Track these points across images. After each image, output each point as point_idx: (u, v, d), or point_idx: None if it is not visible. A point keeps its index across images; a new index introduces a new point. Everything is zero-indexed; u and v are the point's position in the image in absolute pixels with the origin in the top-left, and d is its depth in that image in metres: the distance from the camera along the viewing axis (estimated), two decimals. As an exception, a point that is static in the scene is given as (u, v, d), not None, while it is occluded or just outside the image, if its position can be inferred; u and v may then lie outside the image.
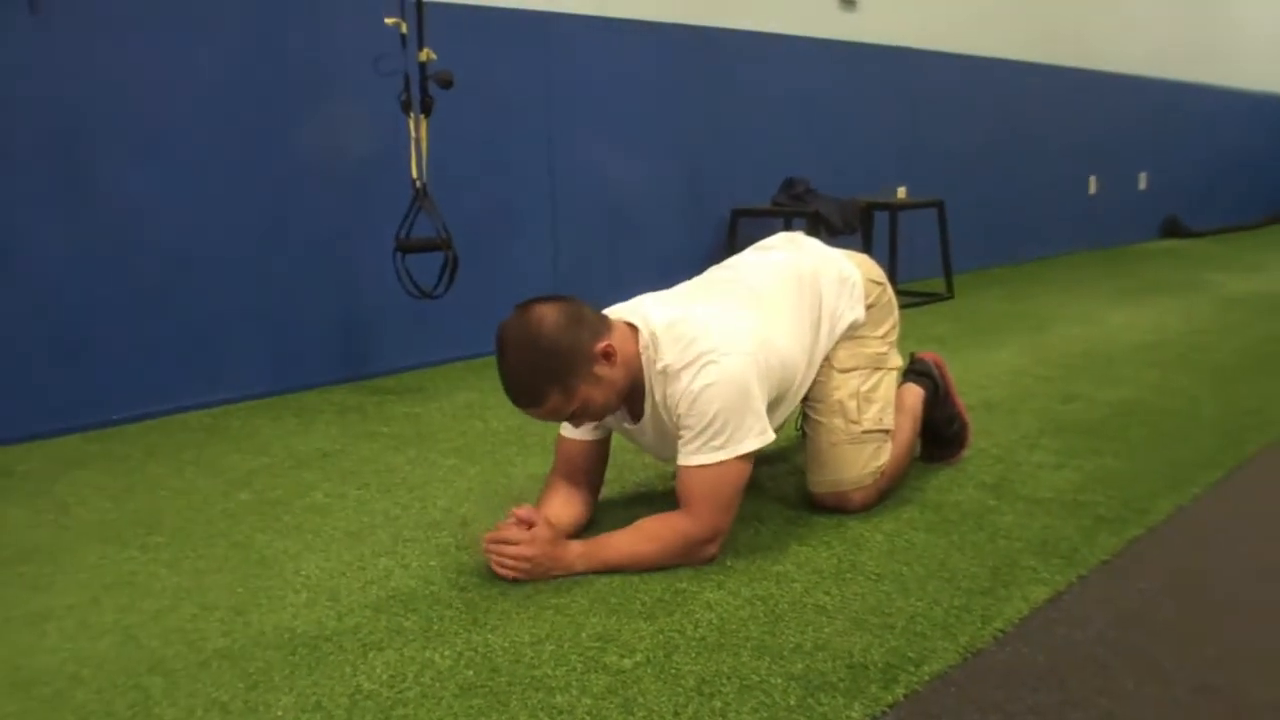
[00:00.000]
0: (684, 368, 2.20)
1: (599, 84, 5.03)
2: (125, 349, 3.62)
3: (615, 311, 2.37)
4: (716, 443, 2.18)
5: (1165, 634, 1.91)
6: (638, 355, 2.27)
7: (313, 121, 4.02)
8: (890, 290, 2.73)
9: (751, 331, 2.30)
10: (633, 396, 2.31)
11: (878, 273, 2.73)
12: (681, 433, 2.22)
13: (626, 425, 2.41)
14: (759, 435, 2.23)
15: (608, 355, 2.20)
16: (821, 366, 2.54)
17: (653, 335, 2.27)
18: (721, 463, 2.19)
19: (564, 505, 2.40)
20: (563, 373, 2.15)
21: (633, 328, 2.29)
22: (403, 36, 3.70)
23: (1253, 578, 2.17)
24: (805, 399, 2.56)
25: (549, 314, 2.17)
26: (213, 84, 3.77)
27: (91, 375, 3.55)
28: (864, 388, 2.54)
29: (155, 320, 3.69)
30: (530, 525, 2.19)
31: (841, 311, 2.55)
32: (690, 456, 2.21)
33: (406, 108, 3.74)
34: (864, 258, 2.76)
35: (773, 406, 2.35)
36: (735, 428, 2.18)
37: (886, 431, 2.56)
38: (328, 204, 4.10)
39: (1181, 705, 1.66)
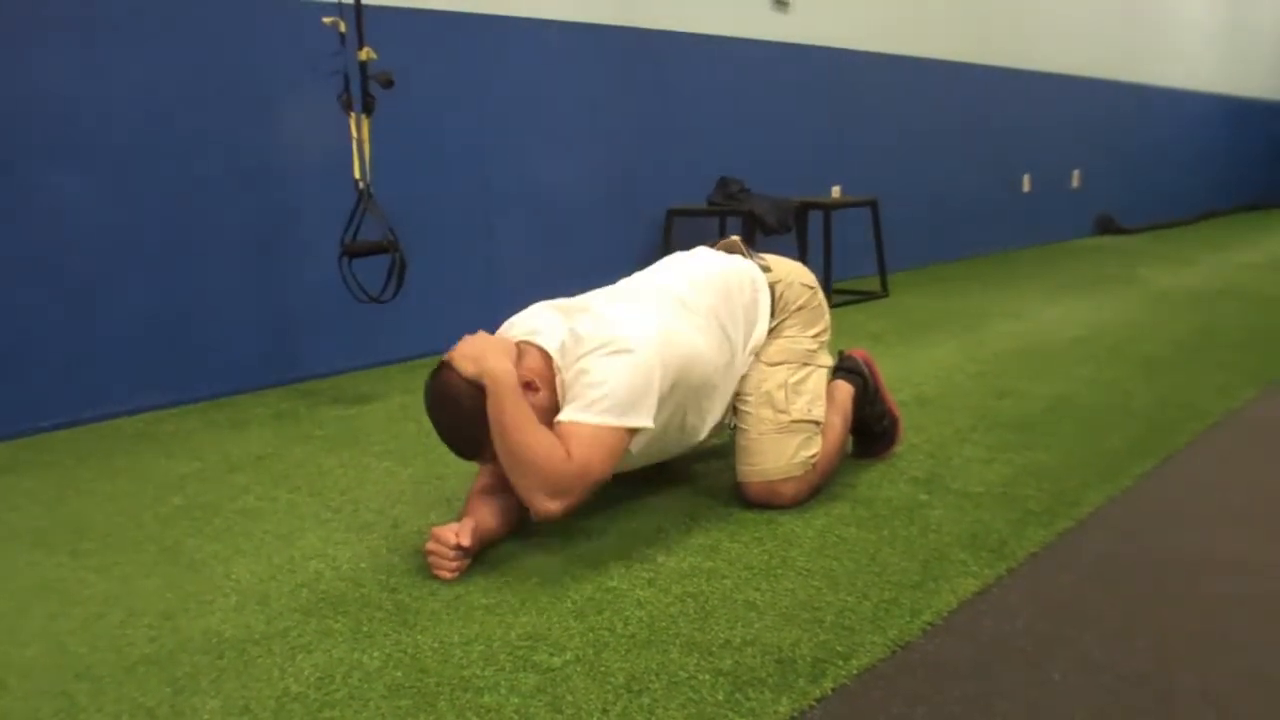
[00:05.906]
0: (591, 352, 2.24)
1: (534, 85, 5.02)
2: (56, 355, 3.58)
3: (518, 328, 2.41)
4: (614, 410, 2.19)
5: (1093, 625, 1.93)
6: (554, 376, 2.30)
7: (245, 122, 3.98)
8: (821, 295, 2.77)
9: (656, 324, 2.34)
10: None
11: (809, 277, 2.77)
12: (580, 392, 2.22)
13: None
14: (647, 418, 2.24)
15: (529, 386, 2.24)
16: (751, 362, 2.58)
17: (562, 349, 2.30)
18: (613, 428, 2.20)
19: (494, 513, 2.36)
20: None
21: (543, 352, 2.32)
22: (341, 36, 3.65)
23: (1182, 567, 2.20)
24: (735, 394, 2.58)
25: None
26: (141, 85, 3.73)
27: (21, 382, 3.51)
28: (792, 380, 2.57)
29: (86, 325, 3.64)
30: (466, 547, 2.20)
31: (756, 313, 2.61)
32: (581, 413, 2.20)
33: (347, 107, 3.66)
34: (795, 264, 2.80)
35: (688, 396, 2.39)
36: (631, 405, 2.21)
37: (816, 423, 2.57)
38: (259, 206, 4.07)
39: (1109, 694, 1.68)
